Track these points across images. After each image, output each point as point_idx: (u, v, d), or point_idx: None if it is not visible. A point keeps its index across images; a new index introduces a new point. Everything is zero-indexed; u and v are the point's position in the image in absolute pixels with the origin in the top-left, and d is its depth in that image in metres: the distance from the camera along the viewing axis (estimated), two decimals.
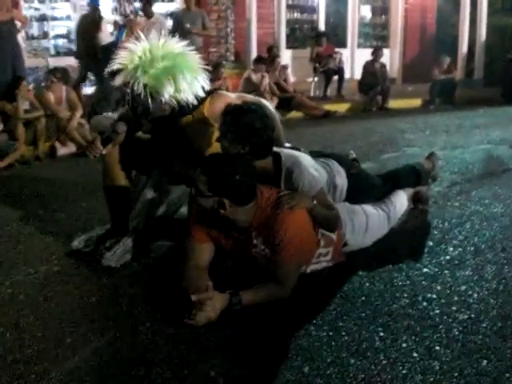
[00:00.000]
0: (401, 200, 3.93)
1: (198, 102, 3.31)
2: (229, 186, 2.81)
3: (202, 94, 3.29)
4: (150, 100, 3.19)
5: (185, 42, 3.34)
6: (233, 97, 3.46)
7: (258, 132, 3.04)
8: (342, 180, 3.54)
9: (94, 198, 4.83)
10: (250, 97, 3.58)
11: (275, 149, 3.20)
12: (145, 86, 3.17)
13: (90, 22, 10.34)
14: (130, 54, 3.23)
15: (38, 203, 5.09)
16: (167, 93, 3.19)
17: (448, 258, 3.53)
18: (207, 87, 3.34)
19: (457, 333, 2.68)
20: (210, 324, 2.71)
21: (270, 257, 2.97)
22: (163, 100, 3.21)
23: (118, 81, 3.25)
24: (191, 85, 3.24)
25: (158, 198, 3.78)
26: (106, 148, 3.48)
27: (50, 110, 7.71)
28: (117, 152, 3.61)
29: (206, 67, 3.38)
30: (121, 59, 3.24)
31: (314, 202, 3.05)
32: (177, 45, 3.31)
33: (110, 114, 3.65)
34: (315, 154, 3.60)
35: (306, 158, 3.22)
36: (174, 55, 3.23)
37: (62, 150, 7.71)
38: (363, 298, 3.02)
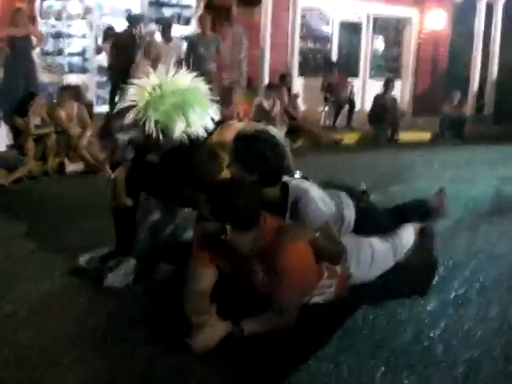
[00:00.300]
0: (408, 234, 3.89)
1: (208, 133, 3.33)
2: (230, 211, 2.79)
3: (211, 125, 3.30)
4: (160, 136, 3.21)
5: (193, 74, 3.36)
6: (240, 126, 3.47)
7: (268, 161, 3.04)
8: (350, 212, 3.52)
9: (101, 216, 4.79)
10: (260, 125, 3.59)
11: (284, 178, 3.19)
12: (156, 122, 3.19)
13: (127, 37, 10.42)
14: (140, 90, 3.25)
15: (43, 219, 5.09)
16: (178, 129, 3.21)
17: (452, 295, 3.50)
18: (217, 118, 3.35)
19: (459, 373, 2.64)
20: (209, 352, 2.68)
21: (270, 287, 2.94)
22: (174, 136, 3.22)
23: (129, 118, 3.27)
24: (201, 118, 3.25)
25: (164, 220, 3.78)
26: (115, 172, 3.49)
27: (61, 127, 7.75)
28: (122, 173, 3.61)
29: (215, 98, 3.40)
30: (131, 96, 3.26)
31: (317, 234, 3.03)
32: (186, 78, 3.33)
33: (121, 135, 3.64)
34: (325, 185, 3.59)
35: (314, 189, 3.21)
36: (183, 90, 3.26)
37: (70, 167, 7.74)
38: (365, 332, 2.99)
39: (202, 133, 3.28)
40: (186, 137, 3.26)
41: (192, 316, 2.81)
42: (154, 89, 3.24)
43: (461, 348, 2.86)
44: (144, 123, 3.21)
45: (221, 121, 3.45)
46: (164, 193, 3.64)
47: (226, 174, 3.22)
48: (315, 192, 3.20)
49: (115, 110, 3.40)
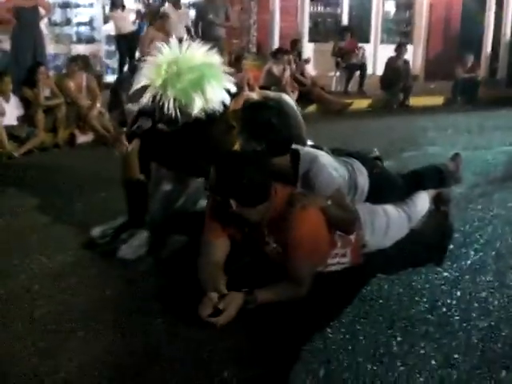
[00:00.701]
0: (423, 201, 3.85)
1: (225, 106, 3.28)
2: (234, 188, 2.74)
3: (228, 99, 3.26)
4: (178, 114, 3.15)
5: (206, 47, 3.29)
6: (254, 95, 3.43)
7: (275, 129, 2.99)
8: (363, 180, 3.47)
9: (112, 187, 4.77)
10: (272, 93, 3.53)
11: (294, 146, 3.14)
12: (174, 100, 3.13)
13: None
14: (156, 69, 3.18)
15: (55, 192, 5.08)
16: (197, 106, 3.15)
17: (469, 262, 3.46)
18: (233, 90, 3.29)
19: (476, 341, 2.62)
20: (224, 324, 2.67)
21: (282, 256, 2.92)
22: (193, 113, 3.17)
23: (146, 97, 3.20)
24: (218, 93, 3.19)
25: (177, 190, 3.74)
26: (131, 144, 3.45)
27: (70, 98, 7.71)
28: (136, 145, 3.57)
29: (228, 70, 3.34)
30: (147, 74, 3.20)
31: (329, 202, 2.99)
32: (200, 51, 3.26)
33: (130, 105, 3.59)
34: (337, 153, 3.54)
35: (325, 157, 3.17)
36: (199, 66, 3.19)
37: (81, 138, 7.71)
38: (381, 302, 2.96)
39: (219, 107, 3.21)
40: (203, 113, 3.20)
41: (206, 287, 2.79)
42: (169, 66, 3.17)
43: (478, 316, 2.83)
44: (161, 102, 3.15)
45: (236, 92, 3.38)
46: (176, 164, 3.60)
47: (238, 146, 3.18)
48: (326, 159, 3.15)
49: (131, 91, 3.31)
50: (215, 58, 3.30)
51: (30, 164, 6.45)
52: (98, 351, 2.52)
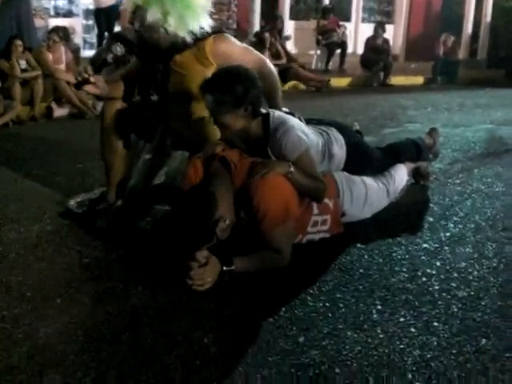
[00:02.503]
0: (401, 174, 3.85)
1: (199, 39, 3.22)
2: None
3: (199, 32, 3.21)
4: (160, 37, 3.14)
5: None
6: (238, 44, 3.38)
7: (252, 85, 2.97)
8: (339, 149, 3.43)
9: (91, 159, 4.75)
10: (255, 52, 3.46)
11: (266, 110, 3.13)
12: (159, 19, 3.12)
13: None
14: None
15: (32, 163, 5.01)
16: (152, 16, 3.10)
17: (448, 234, 3.47)
18: (208, 27, 3.24)
19: (456, 309, 2.62)
20: (204, 291, 2.65)
21: (255, 227, 2.89)
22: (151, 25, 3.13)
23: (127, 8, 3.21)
24: (183, 20, 3.14)
25: (158, 159, 3.67)
26: (102, 75, 3.39)
27: (48, 70, 7.58)
28: (115, 112, 3.50)
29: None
30: None
31: (292, 168, 2.92)
32: None
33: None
34: (315, 122, 3.51)
35: (295, 121, 3.15)
36: None
37: (58, 112, 7.61)
38: (361, 271, 2.95)
39: (185, 36, 3.18)
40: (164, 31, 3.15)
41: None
42: None
43: (457, 286, 2.83)
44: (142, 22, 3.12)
45: (218, 31, 3.33)
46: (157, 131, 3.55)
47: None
48: (295, 122, 3.14)
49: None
50: None
51: (5, 136, 6.34)
52: (75, 317, 2.48)
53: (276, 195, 2.84)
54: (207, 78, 3.00)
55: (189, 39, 3.19)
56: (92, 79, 3.29)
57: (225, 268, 2.72)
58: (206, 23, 3.21)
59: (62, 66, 7.78)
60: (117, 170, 3.63)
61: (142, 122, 3.54)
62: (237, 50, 3.33)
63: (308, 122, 3.40)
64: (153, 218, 3.55)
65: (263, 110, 3.12)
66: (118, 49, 3.35)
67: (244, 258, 2.81)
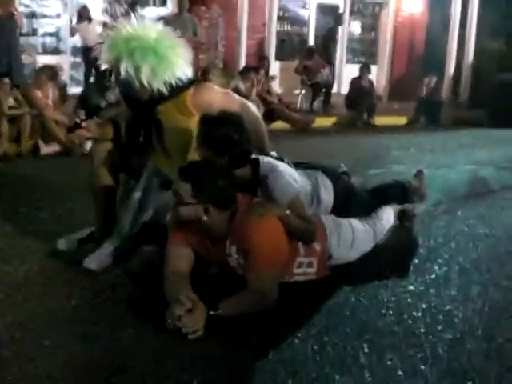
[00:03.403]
0: (387, 216, 3.91)
1: (179, 90, 3.28)
2: (215, 191, 2.80)
3: (178, 83, 3.27)
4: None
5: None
6: (219, 92, 3.45)
7: (236, 144, 3.04)
8: (327, 194, 3.51)
9: (78, 198, 4.74)
10: (237, 97, 3.53)
11: (255, 156, 3.20)
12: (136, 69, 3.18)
13: None
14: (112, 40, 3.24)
15: (19, 201, 4.98)
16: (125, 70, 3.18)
17: (433, 276, 3.52)
18: (187, 77, 3.31)
19: (442, 352, 2.65)
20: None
21: (244, 266, 2.93)
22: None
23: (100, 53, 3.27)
24: (156, 72, 3.21)
25: (146, 199, 3.68)
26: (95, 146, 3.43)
27: (37, 108, 7.61)
28: (105, 152, 3.54)
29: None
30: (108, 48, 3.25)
31: (287, 211, 3.01)
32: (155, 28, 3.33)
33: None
34: (302, 166, 3.57)
35: (284, 167, 3.22)
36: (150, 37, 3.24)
37: (45, 149, 7.61)
38: (348, 313, 2.98)
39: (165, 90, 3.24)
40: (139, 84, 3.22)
41: (169, 297, 2.78)
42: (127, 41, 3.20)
43: (443, 328, 2.87)
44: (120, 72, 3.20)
45: (197, 79, 3.40)
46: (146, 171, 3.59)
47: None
48: (285, 168, 3.21)
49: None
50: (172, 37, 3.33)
51: None
52: (64, 360, 2.48)
53: (271, 237, 2.91)
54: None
55: (165, 91, 3.25)
56: (84, 124, 3.35)
57: (211, 312, 2.72)
58: (183, 73, 3.28)
59: (49, 104, 7.81)
60: (105, 208, 3.65)
61: (130, 162, 3.58)
62: (218, 98, 3.40)
63: (296, 165, 3.46)
64: (142, 257, 3.55)
65: (253, 156, 3.18)
66: (112, 96, 3.40)
67: (229, 301, 2.81)
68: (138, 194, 3.62)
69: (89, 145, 3.56)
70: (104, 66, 3.38)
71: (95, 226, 3.74)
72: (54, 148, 7.67)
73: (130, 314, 2.92)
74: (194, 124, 3.24)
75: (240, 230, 2.90)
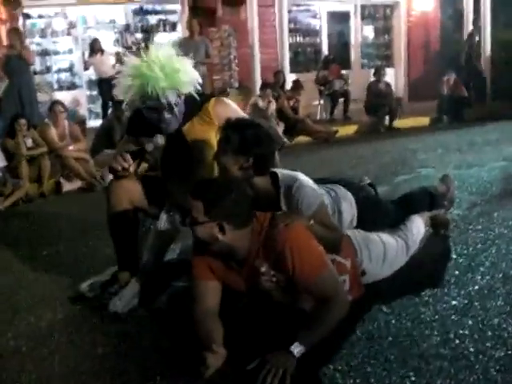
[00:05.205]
0: (417, 225, 3.72)
1: (200, 104, 3.31)
2: (227, 206, 2.60)
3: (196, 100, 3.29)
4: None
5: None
6: (233, 109, 3.42)
7: (263, 143, 2.95)
8: (349, 206, 3.34)
9: (101, 236, 4.64)
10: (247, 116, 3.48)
11: (272, 169, 3.07)
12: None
13: None
14: (134, 69, 3.15)
15: (41, 243, 4.91)
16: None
17: (476, 287, 3.31)
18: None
19: (494, 373, 2.46)
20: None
21: (289, 280, 2.71)
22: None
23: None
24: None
25: (169, 234, 3.54)
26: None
27: (53, 147, 7.59)
28: (124, 186, 3.41)
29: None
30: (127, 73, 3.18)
31: (311, 221, 2.87)
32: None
33: (109, 151, 3.44)
34: (321, 181, 3.41)
35: (303, 176, 3.09)
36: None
37: (67, 186, 7.58)
38: (390, 339, 2.78)
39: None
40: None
41: (201, 337, 2.62)
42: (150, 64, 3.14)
43: (493, 345, 2.67)
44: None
45: (211, 95, 3.36)
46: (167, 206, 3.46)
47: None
48: (304, 177, 3.09)
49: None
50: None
51: (14, 215, 6.29)
52: None
53: (305, 239, 2.73)
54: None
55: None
56: (132, 169, 3.26)
57: (296, 354, 2.49)
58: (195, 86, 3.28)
59: (67, 141, 7.78)
60: (125, 237, 3.52)
61: (151, 196, 3.47)
62: (235, 111, 3.38)
63: (315, 181, 3.30)
64: (169, 296, 3.41)
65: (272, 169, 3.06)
66: (159, 140, 3.30)
67: (306, 329, 2.58)
68: (160, 228, 3.49)
69: (109, 177, 3.44)
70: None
71: (117, 261, 3.59)
72: (76, 184, 7.64)
73: (160, 359, 2.76)
74: (214, 134, 3.23)
75: (270, 243, 2.70)
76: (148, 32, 11.24)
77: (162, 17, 12.66)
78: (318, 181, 3.41)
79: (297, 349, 2.50)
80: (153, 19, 12.62)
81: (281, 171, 3.10)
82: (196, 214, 2.63)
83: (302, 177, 3.07)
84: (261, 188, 2.99)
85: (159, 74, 3.10)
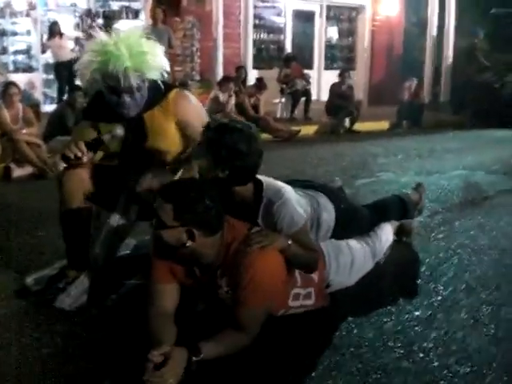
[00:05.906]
0: (386, 233, 3.64)
1: (162, 93, 3.16)
2: (199, 213, 2.44)
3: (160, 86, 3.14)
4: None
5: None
6: (193, 105, 3.29)
7: (243, 156, 2.64)
8: (328, 216, 3.21)
9: (51, 226, 4.40)
10: (206, 115, 3.31)
11: (257, 176, 2.85)
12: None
13: None
14: (99, 45, 2.99)
15: None
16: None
17: (439, 298, 3.23)
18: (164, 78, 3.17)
19: None
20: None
21: (233, 299, 2.59)
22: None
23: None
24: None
25: (123, 227, 3.35)
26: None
27: (5, 130, 7.27)
28: (78, 177, 3.20)
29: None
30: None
31: (290, 241, 2.69)
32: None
33: (63, 138, 3.23)
34: (300, 184, 3.27)
35: (290, 191, 2.87)
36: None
37: (17, 172, 7.26)
38: (352, 349, 2.66)
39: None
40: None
41: (153, 341, 2.46)
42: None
43: (458, 360, 2.58)
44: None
45: (173, 85, 3.19)
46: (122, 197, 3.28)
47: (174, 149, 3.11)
48: (291, 194, 2.87)
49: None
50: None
51: None
52: None
53: (271, 274, 2.57)
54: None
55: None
56: (85, 159, 3.03)
57: (194, 358, 2.37)
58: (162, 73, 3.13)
59: (19, 124, 7.46)
60: (78, 240, 3.32)
61: (103, 189, 3.26)
62: (194, 107, 3.29)
63: (293, 183, 3.15)
64: (121, 294, 3.23)
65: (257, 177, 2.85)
66: (118, 131, 3.10)
67: (212, 342, 2.46)
68: (114, 221, 3.31)
69: (61, 165, 3.20)
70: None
71: (67, 257, 3.39)
72: (27, 170, 7.33)
73: (109, 360, 2.58)
74: (173, 125, 3.16)
75: (236, 261, 2.55)
76: (110, 18, 10.90)
77: (125, 3, 12.37)
78: (301, 183, 3.28)
79: (197, 355, 2.37)
80: (115, 5, 12.32)
81: (266, 180, 2.86)
82: (164, 217, 2.46)
83: (287, 194, 2.83)
84: (240, 195, 2.78)
85: (124, 52, 2.91)
